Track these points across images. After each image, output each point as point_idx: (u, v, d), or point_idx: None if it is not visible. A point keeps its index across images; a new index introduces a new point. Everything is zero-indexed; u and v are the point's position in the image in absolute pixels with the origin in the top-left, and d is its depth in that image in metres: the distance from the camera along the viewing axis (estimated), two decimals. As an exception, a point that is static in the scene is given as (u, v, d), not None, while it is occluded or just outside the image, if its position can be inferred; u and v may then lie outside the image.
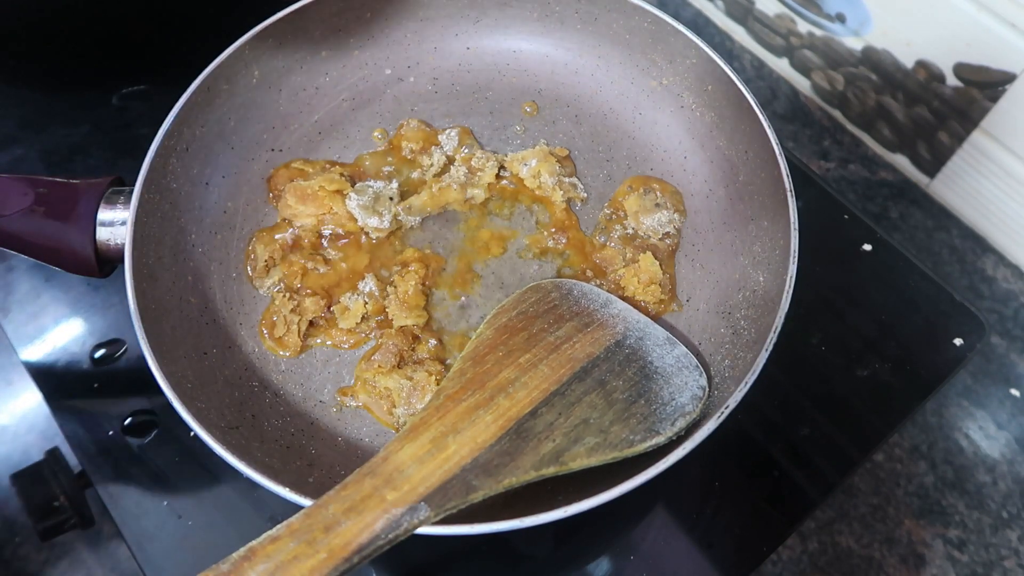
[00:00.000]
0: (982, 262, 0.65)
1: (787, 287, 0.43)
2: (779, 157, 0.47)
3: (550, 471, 0.37)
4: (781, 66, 0.74)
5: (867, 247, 0.60)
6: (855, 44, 0.66)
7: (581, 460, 0.38)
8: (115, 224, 0.47)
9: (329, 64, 0.57)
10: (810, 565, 0.53)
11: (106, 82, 0.69)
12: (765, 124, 0.48)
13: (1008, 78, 0.57)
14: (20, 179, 0.47)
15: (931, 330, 0.57)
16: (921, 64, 0.62)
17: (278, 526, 0.32)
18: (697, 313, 0.50)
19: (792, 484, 0.52)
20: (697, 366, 0.44)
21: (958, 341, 0.57)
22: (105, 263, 0.48)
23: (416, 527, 0.33)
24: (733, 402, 0.40)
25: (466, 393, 0.39)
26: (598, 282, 0.51)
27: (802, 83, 0.73)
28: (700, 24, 0.78)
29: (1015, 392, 0.60)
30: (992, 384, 0.60)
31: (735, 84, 0.50)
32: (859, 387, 0.55)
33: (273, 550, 0.31)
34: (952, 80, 0.60)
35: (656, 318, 0.50)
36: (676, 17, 0.53)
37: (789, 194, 0.46)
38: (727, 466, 0.52)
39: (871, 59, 0.65)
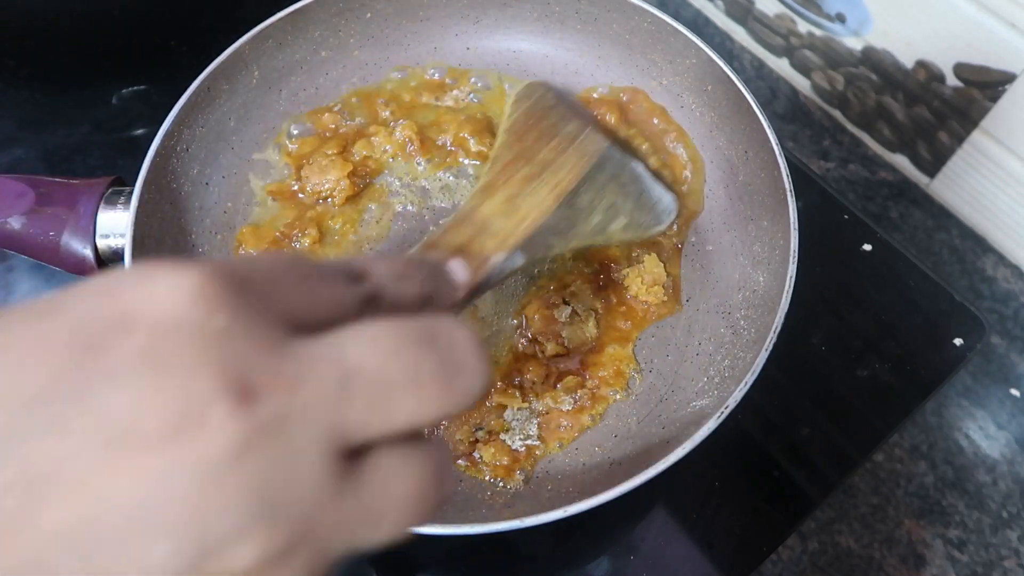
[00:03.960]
0: (982, 262, 0.65)
1: (787, 287, 0.43)
2: (779, 157, 0.47)
3: (599, 240, 0.43)
4: (781, 66, 0.74)
5: (867, 247, 0.60)
6: (855, 44, 0.66)
7: (619, 235, 0.44)
8: (115, 224, 0.47)
9: (329, 64, 0.57)
10: (810, 565, 0.53)
11: (106, 82, 0.69)
12: (765, 124, 0.48)
13: (1008, 78, 0.57)
14: (20, 179, 0.47)
15: (931, 330, 0.57)
16: (921, 64, 0.62)
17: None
18: (697, 313, 0.50)
19: (792, 484, 0.52)
20: (656, 178, 0.49)
21: (958, 341, 0.57)
22: (105, 263, 0.48)
23: (512, 271, 0.36)
24: (733, 402, 0.40)
25: (519, 164, 0.42)
26: (601, 300, 0.51)
27: (802, 83, 0.73)
28: (700, 24, 0.78)
29: (1015, 392, 0.60)
30: (992, 384, 0.60)
31: (735, 84, 0.50)
32: (859, 387, 0.55)
33: None
34: (952, 80, 0.60)
35: (659, 319, 0.50)
36: (676, 17, 0.53)
37: (789, 194, 0.46)
38: (727, 466, 0.52)
39: (871, 59, 0.65)
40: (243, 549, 0.16)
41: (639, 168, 0.48)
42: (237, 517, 0.16)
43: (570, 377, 0.48)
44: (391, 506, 0.19)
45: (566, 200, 0.42)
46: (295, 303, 0.20)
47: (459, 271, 0.30)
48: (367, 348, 0.19)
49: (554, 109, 0.48)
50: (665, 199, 0.48)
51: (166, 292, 0.17)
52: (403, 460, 0.19)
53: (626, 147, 0.50)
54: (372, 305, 0.22)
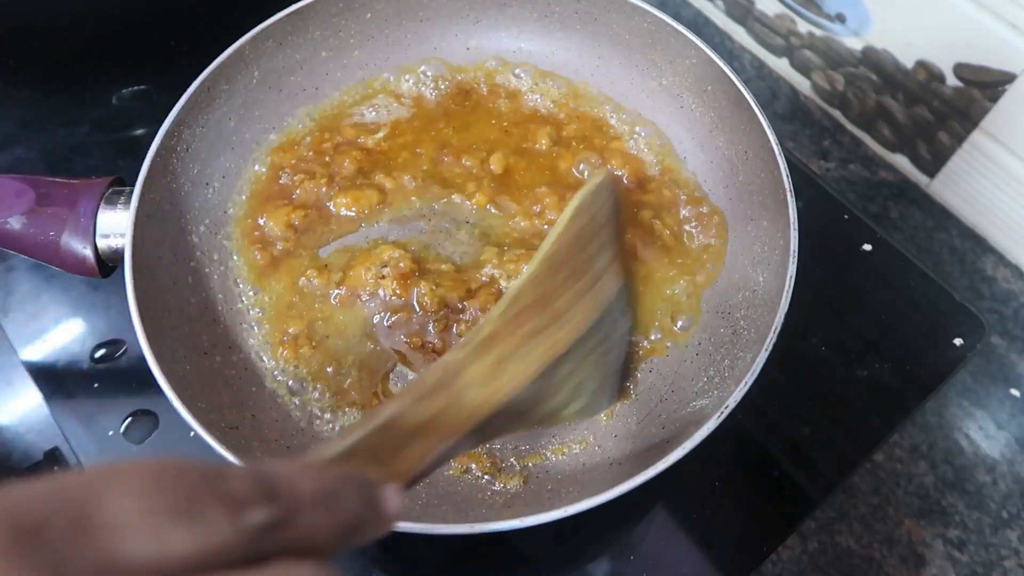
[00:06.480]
0: (982, 262, 0.65)
1: (787, 287, 0.43)
2: (779, 157, 0.47)
3: (543, 426, 0.35)
4: (781, 66, 0.74)
5: (867, 247, 0.60)
6: (855, 44, 0.66)
7: (563, 419, 0.36)
8: (115, 224, 0.47)
9: (329, 64, 0.57)
10: (810, 565, 0.53)
11: (106, 82, 0.69)
12: (765, 124, 0.48)
13: (1008, 78, 0.57)
14: (20, 179, 0.47)
15: (931, 330, 0.57)
16: (921, 64, 0.62)
17: (345, 439, 0.26)
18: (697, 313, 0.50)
19: (792, 484, 0.52)
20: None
21: (958, 341, 0.57)
22: (105, 263, 0.48)
23: (444, 461, 0.30)
24: (733, 402, 0.40)
25: (535, 311, 0.34)
26: None
27: (802, 83, 0.73)
28: (700, 24, 0.78)
29: (1015, 392, 0.60)
30: (992, 384, 0.60)
31: (735, 84, 0.50)
32: (859, 387, 0.55)
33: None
34: (952, 80, 0.60)
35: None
36: (676, 17, 0.53)
37: (789, 194, 0.46)
38: (727, 466, 0.52)
39: (871, 59, 0.65)
40: None
41: (628, 324, 0.40)
42: None
43: None
44: None
45: (548, 368, 0.33)
46: (113, 557, 0.14)
47: (392, 501, 0.23)
48: None
49: (605, 228, 0.39)
50: (617, 383, 0.40)
51: None
52: None
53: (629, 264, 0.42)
54: (269, 538, 0.17)
